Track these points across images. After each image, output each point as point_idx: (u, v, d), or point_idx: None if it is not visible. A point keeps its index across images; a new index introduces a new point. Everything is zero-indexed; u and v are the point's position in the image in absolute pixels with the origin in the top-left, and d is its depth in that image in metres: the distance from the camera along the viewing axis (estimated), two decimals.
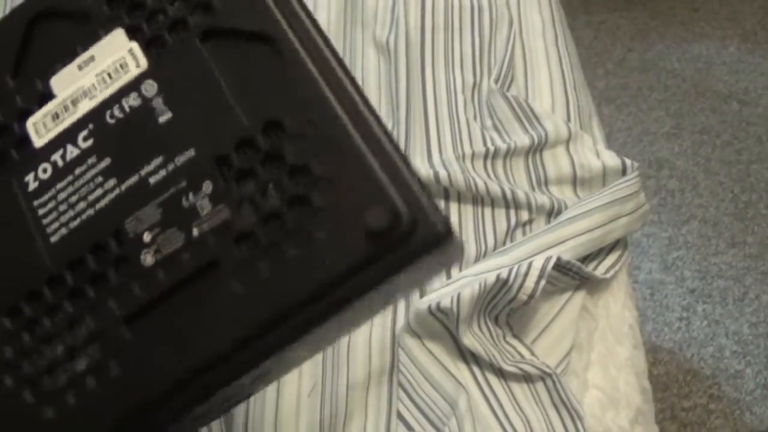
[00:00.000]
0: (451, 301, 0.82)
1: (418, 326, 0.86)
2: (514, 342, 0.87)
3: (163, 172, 0.46)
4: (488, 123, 1.04)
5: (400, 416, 0.84)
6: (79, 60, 0.51)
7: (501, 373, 0.85)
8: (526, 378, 0.84)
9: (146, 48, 0.50)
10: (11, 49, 0.53)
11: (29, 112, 0.50)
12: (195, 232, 0.44)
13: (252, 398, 0.86)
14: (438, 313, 0.84)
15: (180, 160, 0.46)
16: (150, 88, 0.48)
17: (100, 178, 0.47)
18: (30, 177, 0.49)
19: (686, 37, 2.76)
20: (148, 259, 0.45)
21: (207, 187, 0.45)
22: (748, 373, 2.05)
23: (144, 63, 0.49)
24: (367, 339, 0.88)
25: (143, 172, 0.46)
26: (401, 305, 0.90)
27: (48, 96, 0.50)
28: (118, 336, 0.45)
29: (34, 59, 0.52)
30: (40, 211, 0.48)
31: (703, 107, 2.56)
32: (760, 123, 2.52)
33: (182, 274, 0.44)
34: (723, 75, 2.65)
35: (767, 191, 2.36)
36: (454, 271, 0.91)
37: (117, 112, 0.48)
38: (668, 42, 2.75)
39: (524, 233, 0.95)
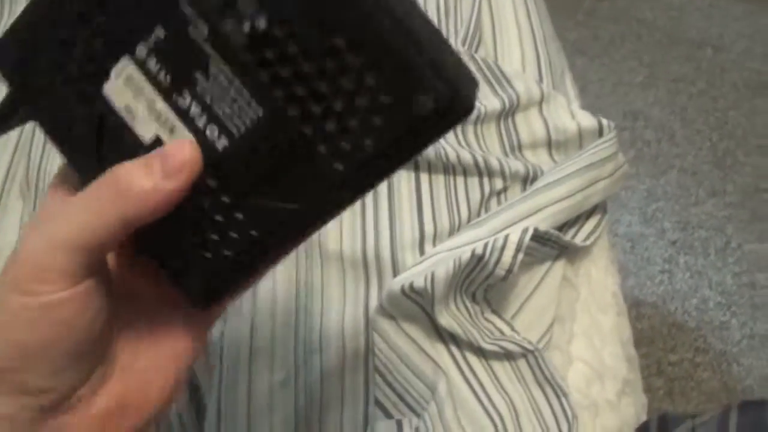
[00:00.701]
0: (425, 281, 0.78)
1: (393, 308, 0.82)
2: (493, 318, 0.83)
3: None
4: None
5: (377, 402, 0.80)
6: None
7: (481, 352, 0.81)
8: (508, 356, 0.81)
9: None
10: None
11: None
12: None
13: (223, 390, 0.82)
14: (412, 293, 0.80)
15: None
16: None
17: None
18: None
19: None
20: None
21: None
22: (734, 324, 2.04)
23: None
24: (339, 323, 0.84)
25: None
26: (374, 285, 0.86)
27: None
28: None
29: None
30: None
31: (676, 55, 2.54)
32: (734, 69, 2.50)
33: None
34: (696, 22, 2.62)
35: (745, 138, 2.34)
36: (428, 246, 0.87)
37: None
38: None
39: (499, 202, 0.91)
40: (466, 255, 0.78)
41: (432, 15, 1.05)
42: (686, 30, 2.58)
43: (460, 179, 0.92)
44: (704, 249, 2.15)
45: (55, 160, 0.99)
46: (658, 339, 2.01)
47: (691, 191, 2.24)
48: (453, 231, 0.89)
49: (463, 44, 1.02)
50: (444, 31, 1.04)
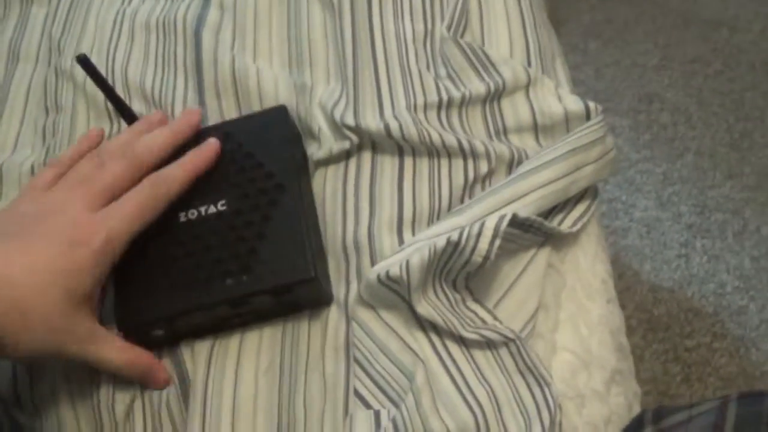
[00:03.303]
0: (401, 269, 0.77)
1: (371, 297, 0.82)
2: (475, 307, 0.82)
3: None
4: (442, 73, 0.98)
5: (357, 393, 0.79)
6: None
7: (462, 341, 0.80)
8: (489, 344, 0.80)
9: None
10: None
11: None
12: None
13: (210, 379, 0.83)
14: (389, 282, 0.79)
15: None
16: None
17: None
18: None
19: None
20: None
21: None
22: (752, 308, 2.01)
23: None
24: (324, 314, 0.85)
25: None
26: (353, 276, 0.85)
27: None
28: None
29: None
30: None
31: (692, 36, 2.51)
32: (751, 49, 2.46)
33: None
34: (710, 2, 2.59)
35: (762, 119, 2.31)
36: (407, 235, 0.86)
37: None
38: None
39: (483, 188, 0.90)
40: (441, 242, 0.77)
41: (416, 1, 1.04)
42: (701, 11, 2.55)
43: (444, 161, 0.91)
44: (721, 232, 2.12)
45: None
46: (675, 324, 1.99)
47: (708, 174, 2.22)
48: (433, 215, 0.88)
49: (449, 29, 1.00)
50: (429, 16, 1.03)
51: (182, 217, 0.85)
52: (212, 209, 0.84)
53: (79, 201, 0.79)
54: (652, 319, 1.99)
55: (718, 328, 1.98)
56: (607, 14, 2.56)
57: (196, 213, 0.85)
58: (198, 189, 0.86)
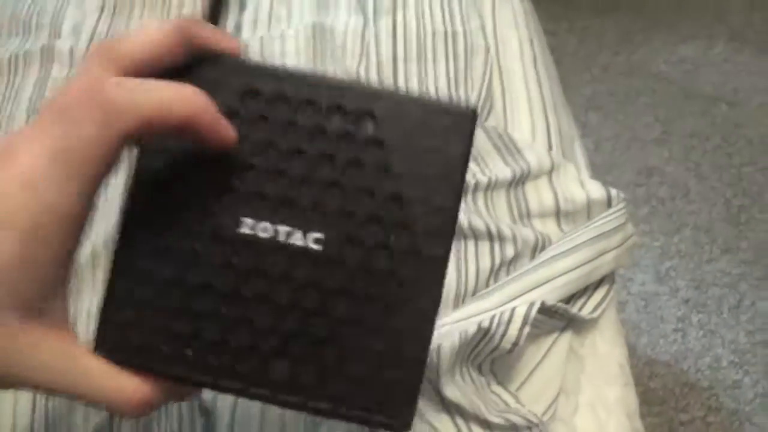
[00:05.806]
0: (431, 353, 0.78)
1: None
2: (499, 390, 0.83)
3: None
4: None
5: None
6: None
7: (487, 425, 0.81)
8: (512, 428, 0.81)
9: None
10: None
11: None
12: None
13: None
14: None
15: None
16: None
17: None
18: None
19: (672, 39, 2.74)
20: None
21: None
22: (746, 382, 2.03)
23: None
24: None
25: None
26: None
27: None
28: None
29: None
30: None
31: (691, 111, 2.54)
32: (750, 124, 2.50)
33: None
34: (711, 76, 2.63)
35: (760, 194, 2.33)
36: None
37: None
38: (655, 44, 2.73)
39: (509, 272, 0.91)
40: (472, 328, 0.79)
41: (441, 84, 1.06)
42: (701, 85, 2.59)
43: (470, 244, 0.92)
44: (718, 307, 2.14)
45: None
46: (670, 398, 2.00)
47: (705, 249, 2.24)
48: (458, 299, 0.89)
49: None
50: (455, 94, 1.05)
51: (244, 227, 0.51)
52: (297, 239, 0.51)
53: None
54: (647, 393, 2.00)
55: (713, 402, 2.00)
56: (609, 86, 2.59)
57: (270, 231, 0.51)
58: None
